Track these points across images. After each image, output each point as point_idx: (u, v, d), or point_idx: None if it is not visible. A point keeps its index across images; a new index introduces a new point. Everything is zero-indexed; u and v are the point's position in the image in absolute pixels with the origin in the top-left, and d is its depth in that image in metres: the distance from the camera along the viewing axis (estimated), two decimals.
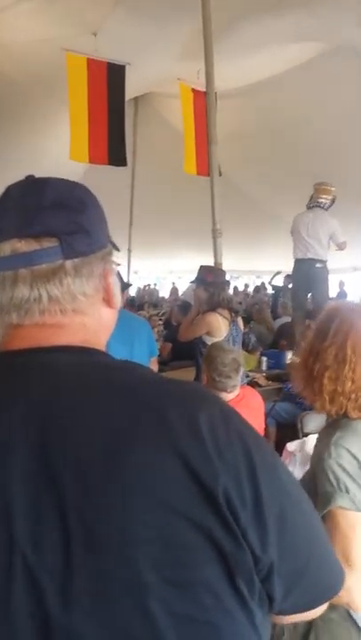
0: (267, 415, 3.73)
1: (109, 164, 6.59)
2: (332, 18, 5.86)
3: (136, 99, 9.85)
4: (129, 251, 10.29)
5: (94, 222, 0.73)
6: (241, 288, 14.35)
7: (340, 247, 5.75)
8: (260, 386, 4.74)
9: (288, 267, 6.33)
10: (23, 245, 0.67)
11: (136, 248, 10.40)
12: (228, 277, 4.19)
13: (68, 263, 0.69)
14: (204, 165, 5.51)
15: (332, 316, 1.35)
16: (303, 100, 7.83)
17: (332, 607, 1.12)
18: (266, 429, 3.71)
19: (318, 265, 5.68)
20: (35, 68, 6.85)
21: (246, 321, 6.24)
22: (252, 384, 4.54)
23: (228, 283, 4.22)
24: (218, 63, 4.84)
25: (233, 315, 3.77)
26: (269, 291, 10.71)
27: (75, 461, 0.59)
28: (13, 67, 6.88)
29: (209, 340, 3.54)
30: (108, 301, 0.75)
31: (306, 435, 3.22)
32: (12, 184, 0.74)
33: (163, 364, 5.25)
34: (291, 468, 2.65)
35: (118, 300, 0.77)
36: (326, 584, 0.72)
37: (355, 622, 1.24)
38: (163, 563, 0.57)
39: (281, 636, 1.31)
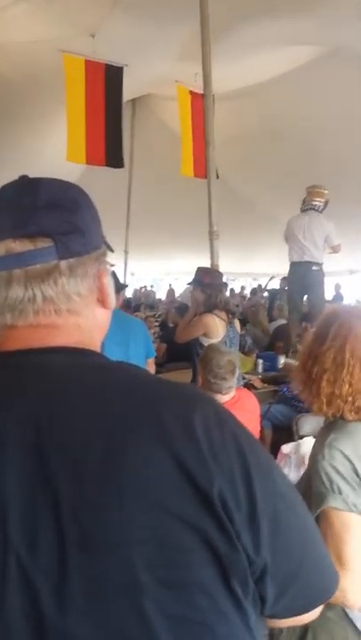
0: (262, 417, 3.73)
1: (106, 165, 6.60)
2: (330, 19, 5.87)
3: (133, 100, 9.87)
4: (125, 252, 10.28)
5: (88, 222, 0.73)
6: (237, 290, 14.36)
7: (335, 250, 5.77)
8: (255, 388, 4.74)
9: (284, 269, 6.33)
10: (17, 246, 0.67)
11: (133, 249, 10.40)
12: (224, 279, 4.20)
13: (63, 263, 0.68)
14: (202, 167, 5.52)
15: (331, 319, 1.37)
16: (301, 102, 7.84)
17: (329, 606, 1.13)
18: (261, 432, 3.71)
19: (315, 268, 5.69)
20: (32, 68, 6.85)
21: (243, 323, 6.24)
22: (248, 386, 4.54)
23: (225, 285, 4.22)
24: (215, 65, 4.86)
25: (230, 316, 3.77)
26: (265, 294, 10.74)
27: (70, 462, 0.59)
28: (11, 67, 6.88)
29: (206, 342, 3.54)
30: (102, 302, 0.75)
31: (301, 437, 3.23)
32: (5, 184, 0.73)
33: (158, 365, 5.24)
34: (286, 471, 2.65)
35: (112, 300, 0.77)
36: (320, 587, 0.72)
37: (351, 621, 1.25)
38: (157, 563, 0.57)
39: (279, 635, 1.33)
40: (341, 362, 1.28)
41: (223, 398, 2.63)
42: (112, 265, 0.78)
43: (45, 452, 0.59)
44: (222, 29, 5.51)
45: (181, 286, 12.49)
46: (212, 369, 2.61)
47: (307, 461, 1.45)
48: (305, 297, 5.97)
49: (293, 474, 2.63)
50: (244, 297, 12.89)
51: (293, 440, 3.21)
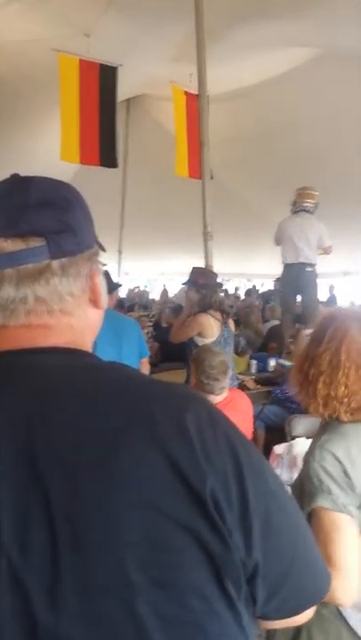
0: (256, 418, 3.73)
1: (100, 165, 6.59)
2: (326, 20, 5.88)
3: (128, 100, 9.87)
4: (119, 252, 10.27)
5: (80, 221, 0.72)
6: (231, 291, 14.37)
7: (326, 251, 5.79)
8: (248, 389, 4.74)
9: (278, 270, 6.35)
10: (9, 245, 0.67)
11: (127, 250, 10.39)
12: (219, 280, 4.20)
13: (55, 263, 0.68)
14: (196, 168, 5.53)
15: (327, 322, 1.39)
16: (296, 103, 7.86)
17: (323, 604, 1.14)
18: (255, 432, 3.72)
19: (308, 269, 5.71)
20: (26, 68, 6.83)
21: (237, 324, 6.25)
22: (242, 387, 4.54)
23: (220, 285, 4.23)
24: (210, 66, 4.87)
25: (224, 316, 3.77)
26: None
27: (62, 462, 0.58)
28: (5, 66, 6.85)
29: (201, 342, 3.55)
30: (94, 302, 0.75)
31: (294, 438, 3.23)
32: None
33: (152, 365, 5.23)
34: (278, 471, 2.66)
35: (105, 300, 0.77)
36: (311, 589, 0.72)
37: (344, 620, 1.26)
38: (150, 564, 0.57)
39: (275, 632, 1.34)
40: (337, 364, 1.30)
41: (216, 399, 2.63)
42: (104, 264, 0.78)
43: (37, 453, 0.59)
44: (218, 30, 5.53)
45: (175, 287, 12.50)
46: (205, 369, 2.61)
47: (299, 462, 1.46)
48: (298, 298, 5.99)
49: (286, 474, 2.63)
50: (238, 297, 12.90)
51: (286, 441, 3.21)
